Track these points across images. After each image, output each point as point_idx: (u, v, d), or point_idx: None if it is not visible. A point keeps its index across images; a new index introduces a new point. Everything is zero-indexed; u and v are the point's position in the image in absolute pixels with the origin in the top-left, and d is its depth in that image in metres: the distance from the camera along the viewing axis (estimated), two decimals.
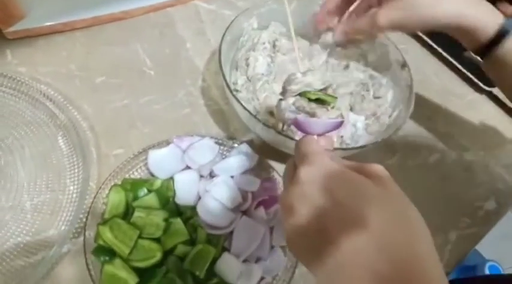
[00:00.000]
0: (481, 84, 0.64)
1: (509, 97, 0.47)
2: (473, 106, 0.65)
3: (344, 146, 0.47)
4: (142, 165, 0.47)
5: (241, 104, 0.43)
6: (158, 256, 0.39)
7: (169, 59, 0.59)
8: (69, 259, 0.42)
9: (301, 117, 0.32)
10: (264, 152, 0.49)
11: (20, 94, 0.50)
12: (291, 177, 0.29)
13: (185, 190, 0.45)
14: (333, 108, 0.33)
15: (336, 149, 0.41)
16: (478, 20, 0.40)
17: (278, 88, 0.48)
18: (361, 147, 0.44)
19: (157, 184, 0.45)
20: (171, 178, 0.45)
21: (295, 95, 0.34)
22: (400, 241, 0.23)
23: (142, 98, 0.54)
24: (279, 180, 0.47)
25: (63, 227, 0.43)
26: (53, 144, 0.48)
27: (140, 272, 0.39)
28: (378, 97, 0.51)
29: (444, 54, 0.66)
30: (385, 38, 0.54)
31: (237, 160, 0.47)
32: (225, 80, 0.44)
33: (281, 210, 0.28)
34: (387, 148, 0.56)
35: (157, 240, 0.40)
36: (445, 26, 0.42)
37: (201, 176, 0.46)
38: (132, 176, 0.46)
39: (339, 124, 0.32)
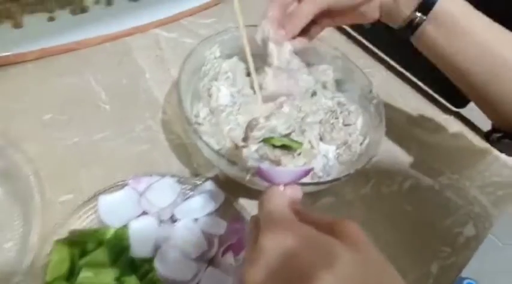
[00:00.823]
0: (448, 105, 0.64)
1: (445, 70, 0.46)
2: (443, 128, 0.64)
3: (316, 179, 0.44)
4: (92, 212, 0.42)
5: (202, 139, 0.39)
6: None
7: (126, 90, 0.55)
8: None
9: (264, 166, 0.29)
10: (231, 189, 0.45)
11: None
12: (254, 240, 0.27)
13: (141, 240, 0.40)
14: (299, 154, 0.30)
15: (306, 184, 0.38)
16: None
17: (243, 120, 0.44)
18: (334, 180, 0.41)
19: (110, 234, 0.40)
20: (126, 227, 0.40)
21: (259, 142, 0.30)
22: None
23: (95, 135, 0.49)
24: (247, 219, 0.43)
25: None
26: None
27: None
28: (348, 125, 0.48)
29: (410, 76, 0.65)
30: (350, 62, 0.52)
31: (200, 200, 0.43)
32: (184, 113, 0.41)
33: (243, 276, 0.25)
34: (361, 176, 0.54)
35: None
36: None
37: (161, 221, 0.42)
38: (81, 226, 0.40)
39: (307, 173, 0.29)
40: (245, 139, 0.32)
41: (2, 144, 0.44)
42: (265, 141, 0.31)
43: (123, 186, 0.43)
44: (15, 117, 0.48)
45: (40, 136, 0.47)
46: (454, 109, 0.63)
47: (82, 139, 0.48)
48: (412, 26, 0.41)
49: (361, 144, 0.48)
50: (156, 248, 0.39)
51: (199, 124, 0.46)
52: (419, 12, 0.40)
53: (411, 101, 0.66)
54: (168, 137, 0.51)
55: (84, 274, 0.35)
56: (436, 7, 0.40)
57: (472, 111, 0.62)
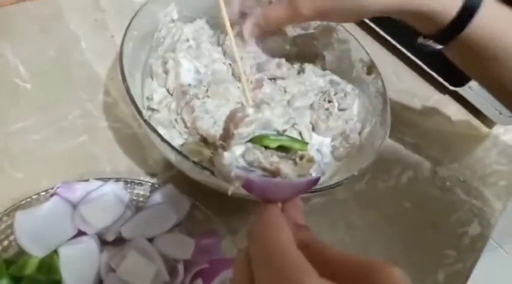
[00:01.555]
0: (445, 84, 0.56)
1: (479, 80, 0.39)
2: (438, 109, 0.57)
3: None
4: (6, 235, 0.30)
5: (158, 133, 0.28)
6: None
7: (54, 64, 0.42)
8: None
9: (255, 177, 0.19)
10: (199, 193, 0.34)
11: None
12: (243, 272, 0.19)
13: (77, 272, 0.29)
14: (301, 159, 0.20)
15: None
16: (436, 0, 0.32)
17: (213, 104, 0.34)
18: (336, 185, 0.31)
19: (32, 265, 0.29)
20: (55, 253, 0.29)
21: (246, 142, 0.20)
22: None
23: (11, 125, 0.37)
24: (222, 233, 0.34)
25: None
26: None
27: None
28: (344, 110, 0.39)
29: (404, 51, 0.57)
30: (344, 31, 0.42)
31: (158, 212, 0.33)
32: (130, 97, 0.29)
33: None
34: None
35: None
36: (392, 11, 0.33)
37: (104, 243, 0.31)
38: None
39: (314, 183, 0.20)
40: (225, 137, 0.21)
41: None
42: (256, 141, 0.20)
43: (49, 196, 0.31)
44: None
45: None
46: (450, 87, 0.56)
47: None
48: (456, 27, 0.33)
49: (359, 133, 0.39)
50: (99, 282, 0.29)
51: (153, 110, 0.34)
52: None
53: (405, 78, 0.57)
54: (112, 126, 0.40)
55: None
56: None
57: (470, 90, 0.55)
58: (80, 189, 0.32)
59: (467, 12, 0.32)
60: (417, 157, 0.50)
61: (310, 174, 0.22)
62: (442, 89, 0.58)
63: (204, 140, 0.33)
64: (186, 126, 0.33)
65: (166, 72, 0.36)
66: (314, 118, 0.36)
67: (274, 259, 0.18)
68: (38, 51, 0.42)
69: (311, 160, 0.21)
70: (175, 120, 0.34)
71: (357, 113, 0.40)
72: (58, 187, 0.32)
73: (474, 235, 0.46)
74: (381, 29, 0.56)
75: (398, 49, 0.57)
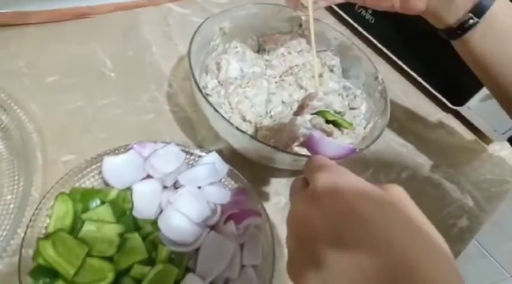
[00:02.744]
0: (448, 103, 0.65)
1: (484, 79, 0.42)
2: (440, 124, 0.65)
3: None
4: (95, 173, 0.41)
5: (213, 106, 0.39)
6: (110, 277, 0.33)
7: (132, 61, 0.54)
8: None
9: (317, 133, 0.30)
10: (235, 162, 0.45)
11: None
12: (301, 189, 0.26)
13: (145, 202, 0.39)
14: (347, 134, 0.30)
15: None
16: None
17: (252, 93, 0.45)
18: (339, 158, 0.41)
19: (113, 194, 0.39)
20: (129, 189, 0.40)
21: (313, 113, 0.31)
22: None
23: (99, 101, 0.49)
24: (251, 192, 0.43)
25: None
26: None
27: None
28: (353, 108, 0.49)
29: (411, 73, 0.67)
30: (358, 49, 0.53)
31: (205, 170, 0.43)
32: (195, 81, 0.41)
33: (290, 225, 0.25)
34: (360, 163, 0.54)
35: (109, 259, 0.35)
36: None
37: (164, 187, 0.42)
38: (83, 185, 0.40)
39: (352, 151, 0.30)
40: (300, 108, 0.32)
41: (7, 101, 0.44)
42: (321, 113, 0.31)
43: (126, 149, 0.43)
44: (19, 77, 0.48)
45: (43, 98, 0.47)
46: (452, 107, 0.65)
47: (86, 103, 0.48)
48: (462, 28, 0.37)
49: (364, 127, 0.48)
50: (160, 211, 0.39)
51: (207, 95, 0.46)
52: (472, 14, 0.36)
53: (411, 96, 0.67)
54: (172, 109, 0.51)
55: (88, 228, 0.34)
56: (490, 10, 0.36)
57: (469, 110, 0.63)
58: (149, 147, 0.43)
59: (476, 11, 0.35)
60: (417, 160, 0.59)
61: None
62: (445, 108, 0.66)
63: (243, 118, 0.44)
64: (231, 107, 0.45)
65: (218, 69, 0.48)
66: None
67: (327, 163, 0.26)
68: (120, 50, 0.55)
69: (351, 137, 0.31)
70: (223, 103, 0.45)
71: (364, 112, 0.50)
72: (134, 144, 0.43)
73: (462, 227, 0.54)
74: (390, 51, 0.67)
75: (405, 71, 0.67)
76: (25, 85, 0.47)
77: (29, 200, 0.38)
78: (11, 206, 0.37)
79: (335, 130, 0.31)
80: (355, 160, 0.53)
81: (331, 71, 0.52)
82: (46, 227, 0.36)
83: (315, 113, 0.32)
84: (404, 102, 0.66)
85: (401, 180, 0.55)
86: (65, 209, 0.35)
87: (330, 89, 0.39)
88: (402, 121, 0.63)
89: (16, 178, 0.39)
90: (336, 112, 0.33)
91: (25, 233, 0.35)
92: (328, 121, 0.32)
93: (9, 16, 0.51)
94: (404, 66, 0.67)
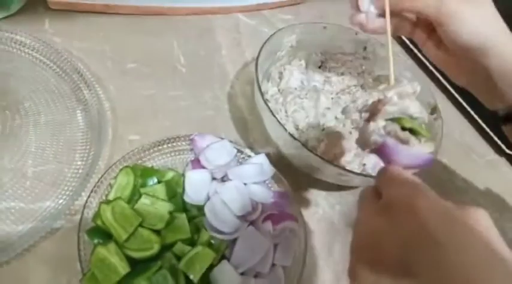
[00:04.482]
0: (503, 146, 0.64)
1: None
2: (492, 166, 0.64)
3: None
4: (156, 155, 0.45)
5: (271, 110, 0.42)
6: (155, 248, 0.37)
7: (202, 60, 0.59)
8: (60, 236, 0.40)
9: (391, 140, 0.28)
10: (280, 167, 0.47)
11: (49, 62, 0.49)
12: (372, 199, 0.26)
13: (195, 188, 0.43)
14: (425, 143, 0.29)
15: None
16: None
17: (308, 104, 0.47)
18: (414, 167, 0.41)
19: (169, 176, 0.43)
20: (183, 175, 0.44)
21: (387, 120, 0.30)
22: None
23: (169, 92, 0.54)
24: (292, 197, 0.46)
25: (61, 201, 0.40)
26: (71, 117, 0.46)
27: (132, 263, 0.36)
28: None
29: (470, 111, 0.66)
30: (421, 75, 0.54)
31: (252, 169, 0.46)
32: (258, 84, 0.44)
33: (357, 234, 0.25)
34: None
35: (157, 232, 0.38)
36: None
37: (213, 179, 0.45)
38: (144, 164, 0.44)
39: (428, 162, 0.28)
40: (372, 113, 0.31)
41: (90, 79, 0.49)
42: (395, 120, 0.29)
43: (188, 139, 0.47)
44: (103, 60, 0.53)
45: (121, 81, 0.52)
46: (507, 151, 0.63)
47: (158, 92, 0.53)
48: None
49: None
50: (207, 199, 0.42)
51: (266, 100, 0.49)
52: None
53: (466, 134, 0.66)
54: (231, 109, 0.55)
55: (144, 201, 0.38)
56: None
57: None
58: (207, 139, 0.47)
59: None
60: (462, 198, 0.58)
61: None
62: (499, 151, 0.65)
63: (296, 126, 0.46)
64: (286, 115, 0.47)
65: (280, 78, 0.51)
66: None
67: (401, 176, 0.25)
68: (194, 49, 0.60)
69: (430, 147, 0.29)
70: (280, 109, 0.48)
71: None
72: (195, 135, 0.47)
73: None
74: (450, 85, 0.67)
75: (464, 107, 0.66)
76: (107, 67, 0.53)
77: (96, 168, 0.43)
78: (80, 171, 0.42)
79: (412, 139, 0.29)
80: None
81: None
82: (106, 195, 0.40)
83: (390, 119, 0.30)
84: (458, 138, 0.65)
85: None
86: (126, 181, 0.39)
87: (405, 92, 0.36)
88: (452, 157, 0.62)
89: (88, 147, 0.44)
90: (412, 118, 0.30)
91: (89, 196, 0.39)
92: (404, 128, 0.29)
93: (103, 5, 0.57)
94: (464, 103, 0.66)
